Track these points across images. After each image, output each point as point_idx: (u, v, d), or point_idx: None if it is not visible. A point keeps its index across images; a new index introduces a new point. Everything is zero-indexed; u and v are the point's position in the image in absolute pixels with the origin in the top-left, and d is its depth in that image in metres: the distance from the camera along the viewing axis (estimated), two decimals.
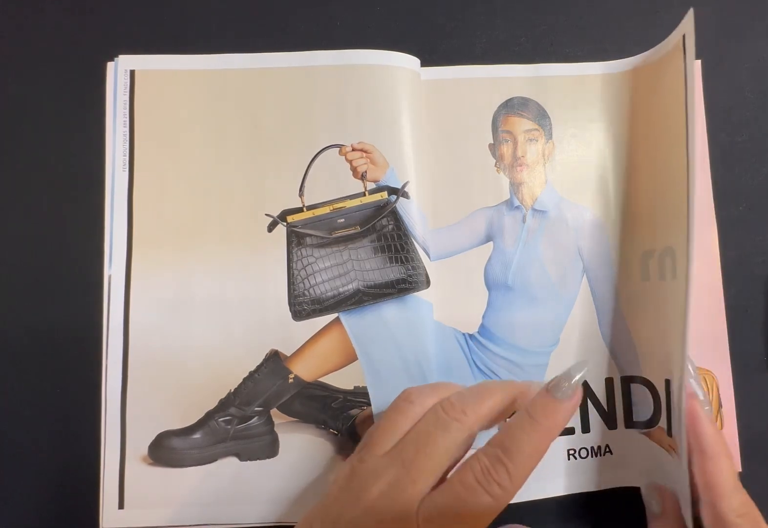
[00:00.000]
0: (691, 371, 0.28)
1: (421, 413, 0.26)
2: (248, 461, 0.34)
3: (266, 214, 0.35)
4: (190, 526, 0.33)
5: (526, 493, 0.32)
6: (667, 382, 0.31)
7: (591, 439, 0.35)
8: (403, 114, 0.36)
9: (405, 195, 0.35)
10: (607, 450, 0.35)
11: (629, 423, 0.35)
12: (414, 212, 0.35)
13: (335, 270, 0.35)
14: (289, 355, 0.34)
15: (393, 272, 0.35)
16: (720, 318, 0.37)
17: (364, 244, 0.35)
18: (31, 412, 0.34)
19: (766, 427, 0.36)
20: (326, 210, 0.35)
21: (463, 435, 0.25)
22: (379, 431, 0.27)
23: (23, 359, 0.34)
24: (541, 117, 0.37)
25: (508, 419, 0.27)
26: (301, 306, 0.35)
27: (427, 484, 0.24)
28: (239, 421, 0.34)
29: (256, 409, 0.34)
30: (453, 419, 0.25)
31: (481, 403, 0.26)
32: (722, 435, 0.28)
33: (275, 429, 0.34)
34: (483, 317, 0.36)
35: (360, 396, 0.34)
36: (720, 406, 0.36)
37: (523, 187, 0.37)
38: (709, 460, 0.27)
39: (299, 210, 0.35)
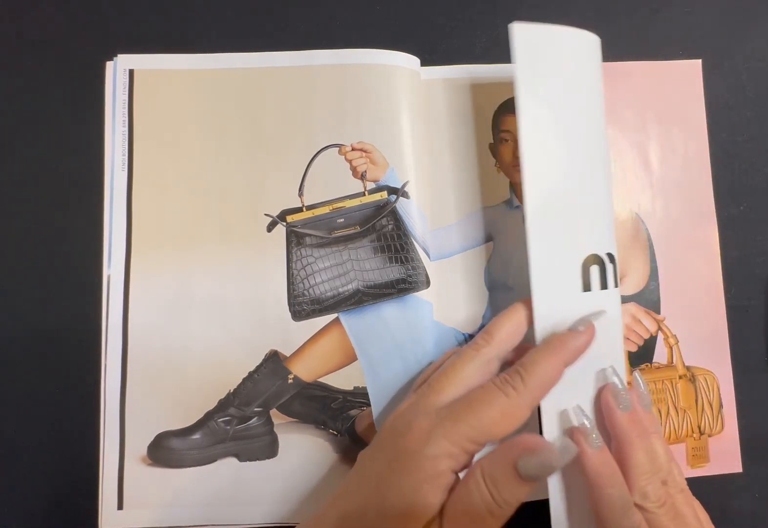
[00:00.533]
0: (616, 369, 0.30)
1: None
2: (248, 462, 0.34)
3: (266, 214, 0.35)
4: (189, 526, 0.33)
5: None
6: None
7: None
8: (403, 113, 0.35)
9: (405, 195, 0.35)
10: None
11: None
12: (414, 212, 0.35)
13: (335, 270, 0.35)
14: (288, 355, 0.34)
15: (393, 272, 0.35)
16: (720, 318, 0.37)
17: (363, 244, 0.35)
18: (30, 412, 0.34)
19: (766, 427, 0.36)
20: (326, 210, 0.35)
21: (484, 358, 0.28)
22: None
23: (22, 359, 0.34)
24: None
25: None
26: (301, 306, 0.35)
27: (448, 394, 0.27)
28: (239, 422, 0.34)
29: (256, 409, 0.34)
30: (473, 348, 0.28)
31: (533, 378, 0.27)
32: (639, 422, 0.28)
33: (275, 429, 0.34)
34: (483, 317, 0.36)
35: (359, 396, 0.34)
36: (720, 406, 0.36)
37: None
38: (622, 446, 0.28)
39: (298, 210, 0.35)
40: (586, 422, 0.28)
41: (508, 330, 0.29)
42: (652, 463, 0.28)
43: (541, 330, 0.29)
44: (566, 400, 0.29)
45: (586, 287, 0.30)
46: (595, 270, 0.30)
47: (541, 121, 0.30)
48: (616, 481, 0.27)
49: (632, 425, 0.28)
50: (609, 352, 0.30)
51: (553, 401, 0.28)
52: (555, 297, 0.29)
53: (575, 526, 0.29)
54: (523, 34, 0.31)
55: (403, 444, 0.26)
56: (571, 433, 0.28)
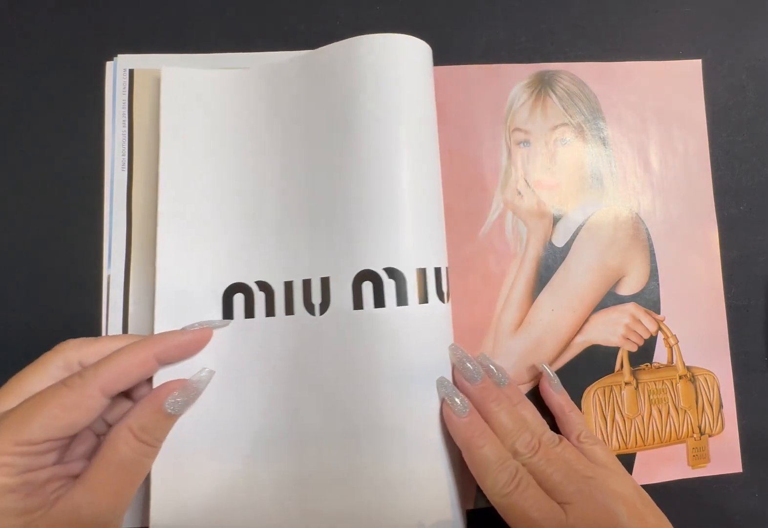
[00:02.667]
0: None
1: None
2: None
3: None
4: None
5: None
6: None
7: None
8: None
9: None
10: None
11: None
12: None
13: None
14: None
15: None
16: (720, 318, 0.37)
17: None
18: None
19: (766, 427, 0.36)
20: None
21: (79, 396, 0.26)
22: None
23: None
24: None
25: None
26: None
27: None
28: None
29: None
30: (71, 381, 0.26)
31: (104, 366, 0.26)
32: (490, 390, 0.31)
33: None
34: None
35: None
36: (720, 406, 0.36)
37: None
38: (482, 415, 0.30)
39: None
40: (448, 391, 0.30)
41: (122, 365, 0.27)
42: (514, 421, 0.30)
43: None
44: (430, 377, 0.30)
45: (227, 314, 0.31)
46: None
47: (182, 160, 0.32)
48: (487, 438, 0.29)
49: (485, 393, 0.30)
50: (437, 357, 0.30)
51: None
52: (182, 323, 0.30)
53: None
54: (170, 77, 0.34)
55: None
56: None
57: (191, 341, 0.30)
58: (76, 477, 0.26)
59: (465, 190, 0.36)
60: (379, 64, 0.31)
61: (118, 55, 0.36)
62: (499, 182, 0.36)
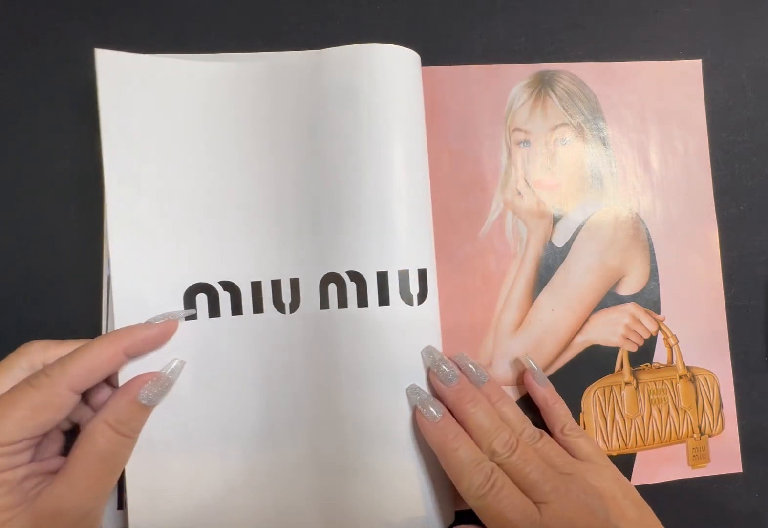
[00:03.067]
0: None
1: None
2: None
3: None
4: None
5: None
6: None
7: None
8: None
9: None
10: None
11: None
12: None
13: None
14: None
15: None
16: (720, 318, 0.37)
17: None
18: None
19: (766, 427, 0.36)
20: None
21: (48, 396, 0.26)
22: None
23: None
24: None
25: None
26: None
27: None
28: None
29: None
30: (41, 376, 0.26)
31: (72, 361, 0.27)
32: (467, 391, 0.31)
33: None
34: None
35: None
36: (720, 406, 0.36)
37: None
38: (458, 417, 0.30)
39: None
40: (421, 399, 0.30)
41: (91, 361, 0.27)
42: (491, 421, 0.30)
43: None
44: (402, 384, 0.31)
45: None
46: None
47: (127, 155, 0.31)
48: (461, 441, 0.29)
49: (461, 394, 0.30)
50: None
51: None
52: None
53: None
54: (106, 61, 0.32)
55: None
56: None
57: (158, 334, 0.30)
58: (53, 473, 0.27)
59: (465, 190, 0.36)
60: (348, 75, 0.32)
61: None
62: (499, 182, 0.36)
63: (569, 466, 0.30)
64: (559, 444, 0.32)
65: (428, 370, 0.31)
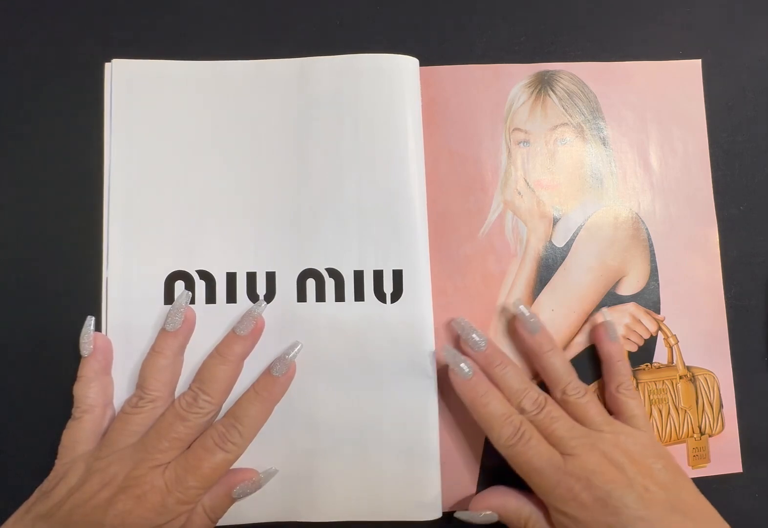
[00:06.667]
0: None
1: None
2: None
3: None
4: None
5: None
6: None
7: None
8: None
9: None
10: None
11: None
12: None
13: None
14: None
15: None
16: (720, 318, 0.37)
17: None
18: (29, 414, 0.34)
19: (766, 427, 0.36)
20: None
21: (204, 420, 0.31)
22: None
23: (21, 362, 0.34)
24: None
25: None
26: None
27: (167, 456, 0.30)
28: None
29: None
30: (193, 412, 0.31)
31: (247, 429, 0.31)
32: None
33: None
34: None
35: None
36: (720, 406, 0.36)
37: None
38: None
39: None
40: (454, 358, 0.32)
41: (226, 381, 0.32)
42: (521, 381, 0.32)
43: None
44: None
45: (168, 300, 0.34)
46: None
47: (132, 152, 0.35)
48: (490, 396, 0.31)
49: (490, 359, 0.32)
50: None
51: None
52: (133, 309, 0.34)
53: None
54: (122, 69, 0.35)
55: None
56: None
57: (290, 380, 0.33)
58: None
59: (465, 190, 0.36)
60: (334, 83, 0.35)
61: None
62: (499, 182, 0.36)
63: (606, 424, 0.31)
64: (611, 401, 0.33)
65: (458, 338, 0.33)
